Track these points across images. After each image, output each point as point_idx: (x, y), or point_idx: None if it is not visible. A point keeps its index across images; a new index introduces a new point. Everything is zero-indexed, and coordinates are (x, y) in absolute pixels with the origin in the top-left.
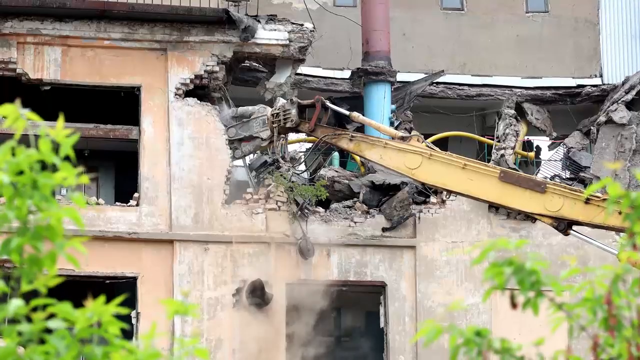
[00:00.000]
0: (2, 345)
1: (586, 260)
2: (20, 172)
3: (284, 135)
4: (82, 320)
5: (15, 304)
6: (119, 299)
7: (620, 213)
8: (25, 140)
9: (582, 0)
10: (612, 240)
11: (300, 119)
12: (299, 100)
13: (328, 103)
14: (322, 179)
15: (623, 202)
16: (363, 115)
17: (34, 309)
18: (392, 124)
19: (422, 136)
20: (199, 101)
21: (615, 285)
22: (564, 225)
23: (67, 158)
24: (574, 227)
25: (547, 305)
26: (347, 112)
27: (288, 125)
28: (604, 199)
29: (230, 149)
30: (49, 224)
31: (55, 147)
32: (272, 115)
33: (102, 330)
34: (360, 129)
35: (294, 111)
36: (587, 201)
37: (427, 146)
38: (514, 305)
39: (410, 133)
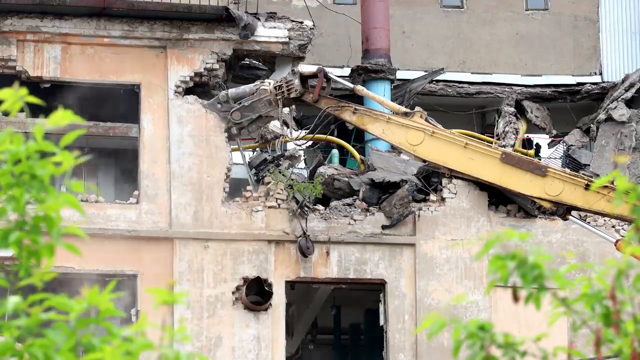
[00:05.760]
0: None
1: (586, 258)
2: (18, 161)
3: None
4: (77, 309)
5: (14, 301)
6: (111, 285)
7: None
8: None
9: None
10: (611, 225)
11: (304, 89)
12: (301, 71)
13: (330, 74)
14: (321, 176)
15: (630, 195)
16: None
17: (32, 304)
18: None
19: (426, 113)
20: (198, 99)
21: (618, 280)
22: (563, 210)
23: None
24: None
25: (549, 301)
26: (350, 85)
27: (292, 95)
28: (604, 186)
29: (235, 130)
30: (46, 215)
31: (54, 139)
32: (275, 87)
33: (98, 319)
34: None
35: (296, 81)
36: (587, 187)
37: (430, 123)
38: (515, 299)
39: (414, 110)
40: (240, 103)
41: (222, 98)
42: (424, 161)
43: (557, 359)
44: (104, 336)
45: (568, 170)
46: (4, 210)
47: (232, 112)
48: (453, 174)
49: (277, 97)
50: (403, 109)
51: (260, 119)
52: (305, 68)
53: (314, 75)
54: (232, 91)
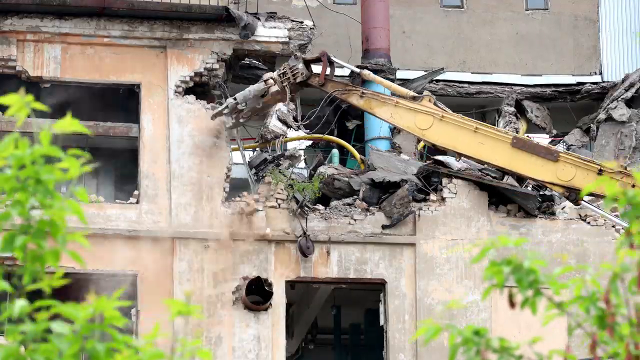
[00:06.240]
0: (3, 344)
1: (586, 257)
2: (23, 166)
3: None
4: (83, 316)
5: (20, 305)
6: (118, 293)
7: (633, 186)
8: (29, 137)
9: None
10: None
11: (310, 72)
12: (304, 56)
13: (333, 57)
14: (321, 176)
15: (619, 200)
16: (362, 112)
17: (38, 309)
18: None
19: (434, 97)
20: (199, 100)
21: (613, 283)
22: (575, 195)
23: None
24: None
25: (546, 304)
26: (356, 69)
27: (299, 79)
28: (618, 171)
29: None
30: (51, 219)
31: (60, 144)
32: (280, 75)
33: (104, 325)
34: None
35: (300, 65)
36: (600, 172)
37: (439, 107)
38: (512, 304)
39: (423, 94)
40: (246, 103)
41: (231, 107)
42: (434, 145)
43: None
44: (109, 343)
45: (581, 155)
46: (9, 214)
47: (243, 112)
48: (454, 176)
49: (283, 84)
50: (411, 93)
51: (261, 109)
52: (308, 54)
53: (316, 60)
54: (239, 96)
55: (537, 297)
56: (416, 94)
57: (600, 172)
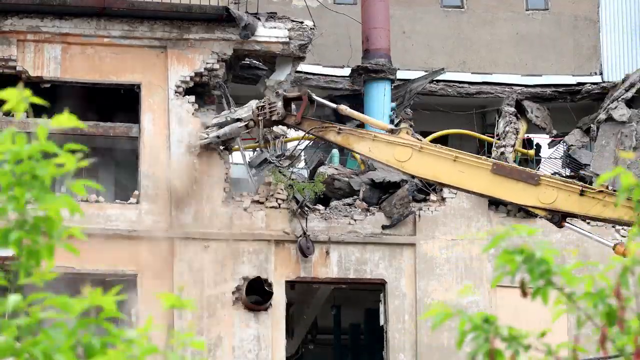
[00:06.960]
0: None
1: (586, 257)
2: (20, 161)
3: (269, 128)
4: (78, 309)
5: (14, 300)
6: (116, 288)
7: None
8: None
9: None
10: (611, 237)
11: (287, 112)
12: (285, 93)
13: (314, 96)
14: (321, 176)
15: (635, 192)
16: (362, 111)
17: (32, 304)
18: (392, 121)
19: (412, 128)
20: (198, 99)
21: (624, 277)
22: (558, 217)
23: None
24: (568, 220)
25: (556, 296)
26: (333, 105)
27: (274, 118)
28: (599, 191)
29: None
30: (47, 216)
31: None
32: (257, 108)
33: (100, 319)
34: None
35: (279, 104)
36: (582, 193)
37: (417, 138)
38: (524, 294)
39: (400, 126)
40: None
41: (214, 143)
42: (413, 177)
43: (560, 354)
44: (104, 337)
45: (561, 177)
46: (5, 210)
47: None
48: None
49: (259, 118)
50: (389, 125)
51: (234, 122)
52: (290, 91)
53: (297, 98)
54: (221, 132)
55: (549, 288)
56: (394, 127)
57: (582, 193)
